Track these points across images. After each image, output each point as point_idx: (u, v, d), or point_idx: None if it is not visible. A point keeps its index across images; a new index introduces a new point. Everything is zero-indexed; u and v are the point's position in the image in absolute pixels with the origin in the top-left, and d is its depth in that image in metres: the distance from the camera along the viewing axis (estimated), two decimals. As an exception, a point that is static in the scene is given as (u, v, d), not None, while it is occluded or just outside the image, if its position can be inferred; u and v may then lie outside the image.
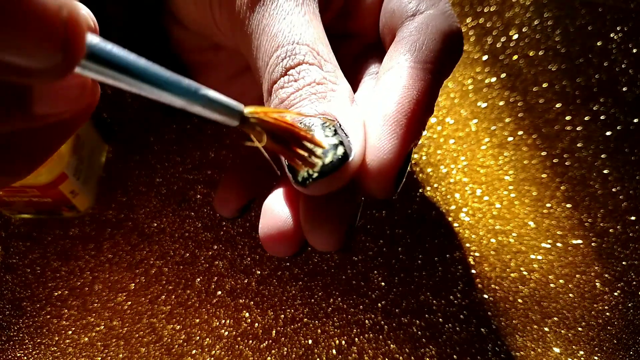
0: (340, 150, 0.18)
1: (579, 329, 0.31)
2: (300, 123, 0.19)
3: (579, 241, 0.33)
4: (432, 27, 0.21)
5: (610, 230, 0.34)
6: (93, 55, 0.13)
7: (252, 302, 0.32)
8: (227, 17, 0.22)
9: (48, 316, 0.32)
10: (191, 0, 0.24)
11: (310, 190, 0.19)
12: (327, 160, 0.18)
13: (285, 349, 0.31)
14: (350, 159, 0.18)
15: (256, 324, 0.31)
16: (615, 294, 0.32)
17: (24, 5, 0.10)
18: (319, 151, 0.18)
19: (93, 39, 0.13)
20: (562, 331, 0.31)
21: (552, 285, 0.32)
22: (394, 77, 0.20)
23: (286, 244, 0.21)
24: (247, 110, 0.16)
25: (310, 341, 0.31)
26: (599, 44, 0.39)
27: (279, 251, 0.21)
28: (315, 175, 0.18)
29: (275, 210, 0.21)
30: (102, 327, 0.31)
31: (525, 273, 0.32)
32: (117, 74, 0.13)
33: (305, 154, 0.18)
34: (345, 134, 0.19)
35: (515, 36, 0.40)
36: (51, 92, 0.14)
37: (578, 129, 0.37)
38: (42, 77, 0.12)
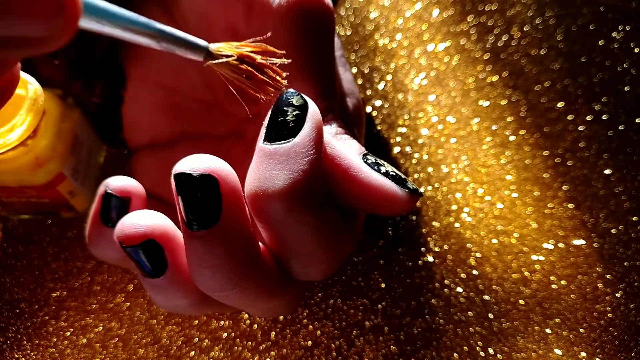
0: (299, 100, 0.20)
1: (581, 330, 0.31)
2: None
3: (581, 242, 0.33)
4: None
5: (613, 230, 0.33)
6: (85, 11, 0.15)
7: (251, 303, 0.31)
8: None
9: (46, 317, 0.31)
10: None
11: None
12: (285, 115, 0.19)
13: (285, 350, 0.30)
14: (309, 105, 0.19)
15: (255, 326, 0.31)
16: (617, 295, 0.32)
17: None
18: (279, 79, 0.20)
19: None
20: (563, 332, 0.31)
21: (553, 286, 0.32)
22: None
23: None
24: (213, 46, 0.18)
25: (309, 342, 0.31)
26: (601, 43, 0.39)
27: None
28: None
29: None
30: (101, 328, 0.31)
31: (527, 274, 0.32)
32: (104, 22, 0.16)
33: (268, 79, 0.19)
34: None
35: (517, 35, 0.39)
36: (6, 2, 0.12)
37: (580, 128, 0.36)
38: (46, 45, 0.13)
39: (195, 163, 0.18)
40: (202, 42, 0.18)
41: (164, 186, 0.28)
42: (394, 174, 0.21)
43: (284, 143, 0.19)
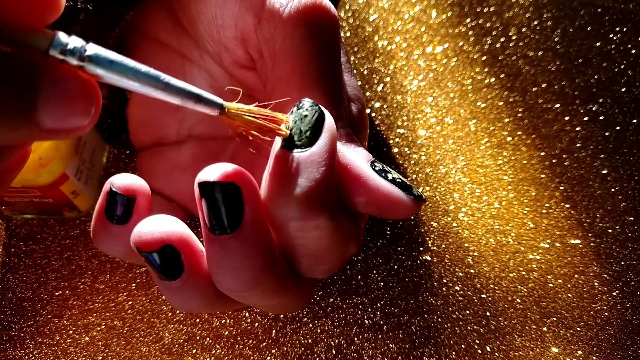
0: (312, 115, 0.20)
1: (578, 328, 0.31)
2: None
3: (578, 241, 0.33)
4: None
5: (609, 230, 0.34)
6: (109, 69, 0.17)
7: (252, 302, 0.32)
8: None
9: (49, 316, 0.32)
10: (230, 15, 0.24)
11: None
12: (302, 124, 0.20)
13: (285, 348, 0.31)
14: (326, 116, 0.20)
15: (256, 324, 0.31)
16: (614, 293, 0.32)
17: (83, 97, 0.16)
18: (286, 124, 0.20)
19: (101, 51, 0.16)
20: (560, 331, 0.31)
21: (550, 285, 0.32)
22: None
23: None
24: (227, 104, 0.19)
25: (309, 340, 0.31)
26: (598, 44, 0.40)
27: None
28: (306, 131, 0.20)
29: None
30: (103, 326, 0.31)
31: (523, 273, 0.33)
32: (124, 79, 0.17)
33: (275, 126, 0.20)
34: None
35: (515, 36, 0.40)
36: (59, 102, 0.15)
37: (577, 129, 0.37)
38: (82, 131, 0.16)
39: (218, 172, 0.19)
40: (218, 100, 0.19)
41: (168, 184, 0.28)
42: (400, 180, 0.22)
43: (302, 151, 0.20)
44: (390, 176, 0.22)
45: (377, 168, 0.22)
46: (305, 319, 0.31)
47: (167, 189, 0.28)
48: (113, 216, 0.22)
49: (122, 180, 0.23)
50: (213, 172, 0.19)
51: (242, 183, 0.19)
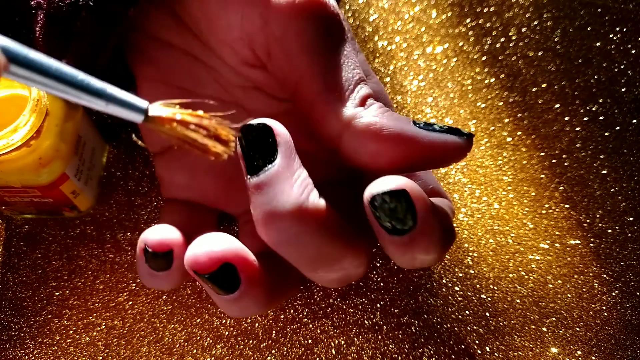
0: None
1: (577, 329, 0.31)
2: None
3: (578, 241, 0.34)
4: None
5: (609, 230, 0.34)
6: (15, 61, 0.14)
7: (252, 302, 0.32)
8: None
9: (49, 316, 0.32)
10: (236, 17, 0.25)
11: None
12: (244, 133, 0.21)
13: (285, 348, 0.31)
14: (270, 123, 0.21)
15: (256, 324, 0.31)
16: (614, 294, 0.32)
17: None
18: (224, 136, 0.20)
19: (10, 45, 0.14)
20: (560, 331, 0.31)
21: (550, 285, 0.32)
22: None
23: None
24: (152, 110, 0.18)
25: (309, 341, 0.31)
26: (598, 44, 0.40)
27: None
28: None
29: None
30: (103, 326, 0.31)
31: (523, 273, 0.33)
32: (36, 77, 0.15)
33: (211, 142, 0.19)
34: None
35: (515, 36, 0.40)
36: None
37: (577, 129, 0.37)
38: None
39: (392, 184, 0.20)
40: (142, 103, 0.18)
41: (194, 190, 0.29)
42: (446, 127, 0.22)
43: (266, 170, 0.20)
44: (437, 127, 0.22)
45: (421, 125, 0.22)
46: (305, 319, 0.31)
47: (193, 195, 0.29)
48: (155, 268, 0.24)
49: (155, 237, 0.24)
50: (385, 184, 0.20)
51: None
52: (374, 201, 0.20)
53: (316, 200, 0.21)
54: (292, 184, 0.20)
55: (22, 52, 0.14)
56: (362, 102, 0.23)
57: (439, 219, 0.21)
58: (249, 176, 0.21)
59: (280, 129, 0.21)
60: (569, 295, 0.32)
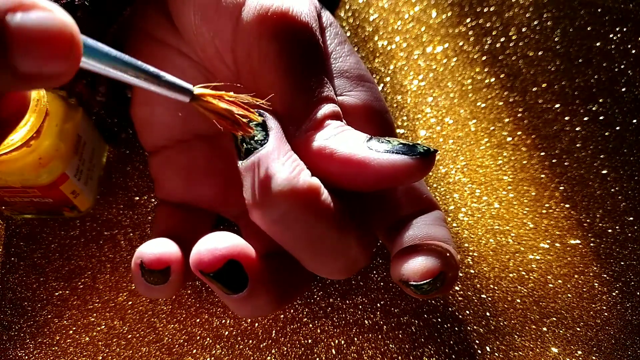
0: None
1: (577, 329, 0.31)
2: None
3: (578, 241, 0.33)
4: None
5: (609, 230, 0.34)
6: (85, 53, 0.17)
7: (252, 302, 0.32)
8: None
9: (49, 316, 0.32)
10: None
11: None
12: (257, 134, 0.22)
13: (285, 348, 0.31)
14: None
15: (256, 324, 0.31)
16: (614, 294, 0.32)
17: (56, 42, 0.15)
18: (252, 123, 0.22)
19: (85, 40, 0.17)
20: (560, 331, 0.31)
21: (550, 285, 0.32)
22: None
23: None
24: (197, 90, 0.20)
25: (309, 341, 0.31)
26: (598, 44, 0.40)
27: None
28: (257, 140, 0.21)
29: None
30: (103, 326, 0.31)
31: (523, 273, 0.33)
32: (100, 64, 0.18)
33: (244, 120, 0.21)
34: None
35: (515, 36, 0.40)
36: (35, 46, 0.14)
37: (577, 129, 0.37)
38: (57, 81, 0.15)
39: None
40: (187, 86, 0.20)
41: (190, 193, 0.29)
42: (400, 145, 0.22)
43: (258, 152, 0.21)
44: (390, 147, 0.22)
45: (374, 146, 0.22)
46: (305, 319, 0.31)
47: (188, 197, 0.29)
48: (152, 282, 0.24)
49: (151, 253, 0.24)
50: None
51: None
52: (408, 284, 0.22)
53: (308, 178, 0.21)
54: (283, 163, 0.20)
55: (90, 43, 0.17)
56: (320, 124, 0.23)
57: (454, 277, 0.23)
58: (240, 162, 0.21)
59: (270, 115, 0.22)
60: (569, 295, 0.32)
